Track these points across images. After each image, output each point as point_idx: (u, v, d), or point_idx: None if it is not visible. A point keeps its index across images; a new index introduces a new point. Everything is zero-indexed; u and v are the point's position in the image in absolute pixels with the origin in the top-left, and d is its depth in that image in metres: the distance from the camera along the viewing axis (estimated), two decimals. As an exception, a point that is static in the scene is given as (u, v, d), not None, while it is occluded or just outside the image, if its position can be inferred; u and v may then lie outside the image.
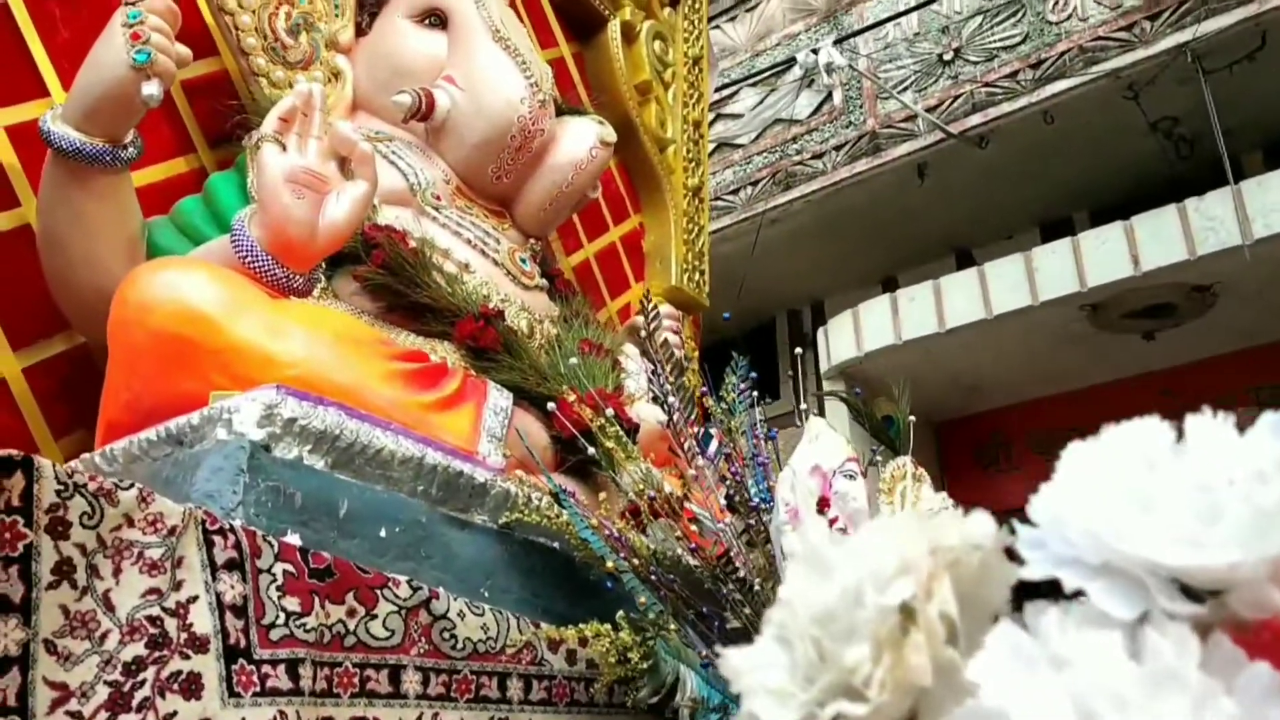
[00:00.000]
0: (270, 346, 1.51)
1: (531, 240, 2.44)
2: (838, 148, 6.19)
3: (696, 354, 3.77)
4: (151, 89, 1.86)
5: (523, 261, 2.26)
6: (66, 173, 1.91)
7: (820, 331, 6.24)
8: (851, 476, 1.39)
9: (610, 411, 1.69)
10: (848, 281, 7.35)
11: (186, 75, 2.47)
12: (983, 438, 6.88)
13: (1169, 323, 5.65)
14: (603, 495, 1.64)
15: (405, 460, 1.42)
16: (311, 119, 1.80)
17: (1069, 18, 5.58)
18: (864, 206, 6.42)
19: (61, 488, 0.94)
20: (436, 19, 2.45)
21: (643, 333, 1.71)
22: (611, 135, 2.52)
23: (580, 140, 2.43)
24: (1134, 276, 5.16)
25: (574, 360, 1.91)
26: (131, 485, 1.01)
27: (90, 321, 2.05)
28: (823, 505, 1.34)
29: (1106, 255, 5.24)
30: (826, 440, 1.44)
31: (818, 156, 6.21)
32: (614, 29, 3.66)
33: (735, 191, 6.66)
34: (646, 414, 2.11)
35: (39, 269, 2.11)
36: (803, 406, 1.66)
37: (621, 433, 1.72)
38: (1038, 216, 6.65)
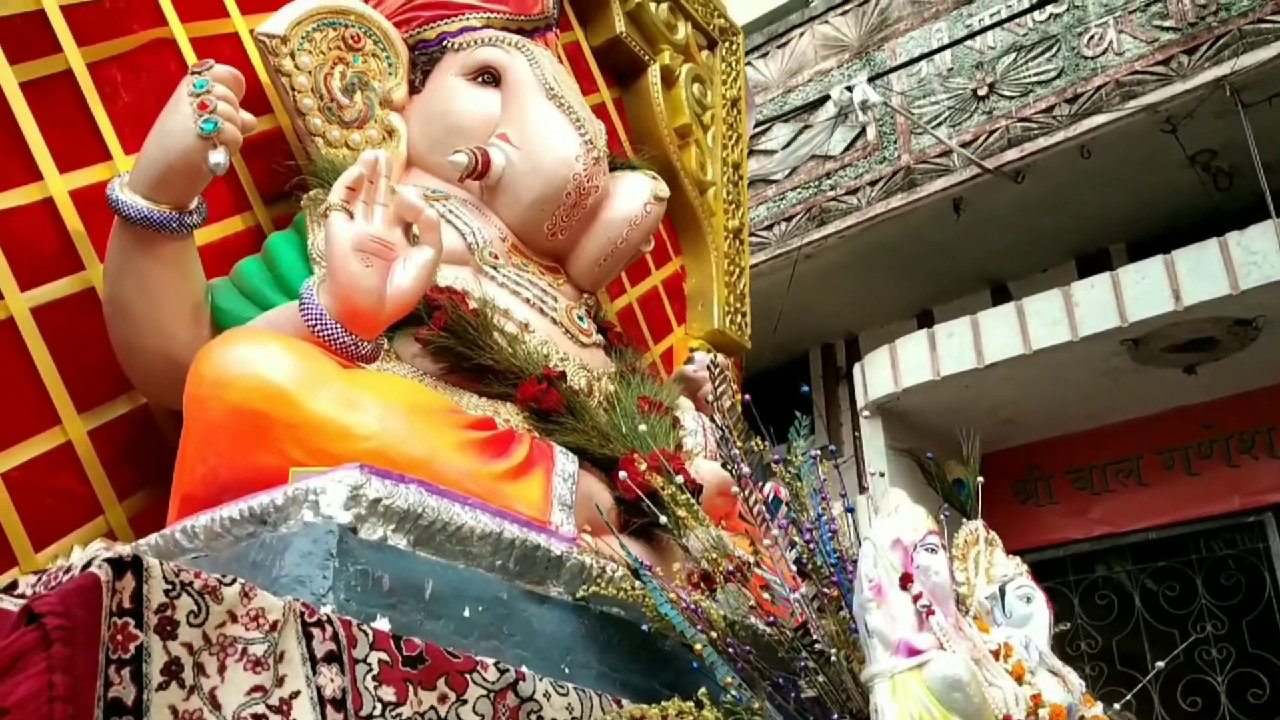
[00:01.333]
0: (346, 420, 1.52)
1: (585, 295, 2.45)
2: (872, 183, 6.19)
3: (740, 397, 3.75)
4: (219, 157, 1.88)
5: (580, 319, 2.27)
6: (133, 240, 1.93)
7: (856, 366, 6.22)
8: (933, 550, 1.38)
9: (679, 479, 1.69)
10: (882, 315, 7.33)
11: (244, 135, 2.51)
12: (1020, 472, 6.82)
13: (1210, 356, 5.61)
14: (677, 565, 1.63)
15: (484, 536, 1.42)
16: (377, 186, 1.82)
17: (1104, 53, 5.57)
18: (898, 241, 6.40)
19: (170, 587, 0.95)
20: (489, 77, 2.46)
21: (709, 397, 1.71)
22: (665, 190, 2.53)
23: (634, 196, 2.44)
24: (1176, 311, 5.13)
25: (643, 427, 1.90)
26: (234, 580, 1.02)
27: (155, 384, 2.08)
28: (906, 581, 1.34)
29: (1147, 290, 5.20)
30: (906, 512, 1.43)
31: (852, 192, 6.21)
32: (654, 74, 3.69)
33: (769, 227, 6.66)
34: (705, 470, 2.10)
35: (102, 332, 2.13)
36: (875, 472, 1.64)
37: (690, 499, 1.72)
38: (1074, 249, 6.61)
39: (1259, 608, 5.90)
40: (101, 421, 2.14)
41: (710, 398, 1.74)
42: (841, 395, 7.63)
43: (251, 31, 2.47)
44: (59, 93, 2.21)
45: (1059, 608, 6.11)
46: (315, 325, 1.73)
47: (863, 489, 6.30)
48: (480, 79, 2.46)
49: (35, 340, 2.07)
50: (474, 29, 2.55)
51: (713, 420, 1.81)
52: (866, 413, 5.99)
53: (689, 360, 2.87)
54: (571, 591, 1.52)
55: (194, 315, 2.02)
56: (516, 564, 1.45)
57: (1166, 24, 5.43)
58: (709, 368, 1.81)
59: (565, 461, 1.75)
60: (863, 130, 6.31)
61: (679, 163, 3.74)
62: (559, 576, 1.51)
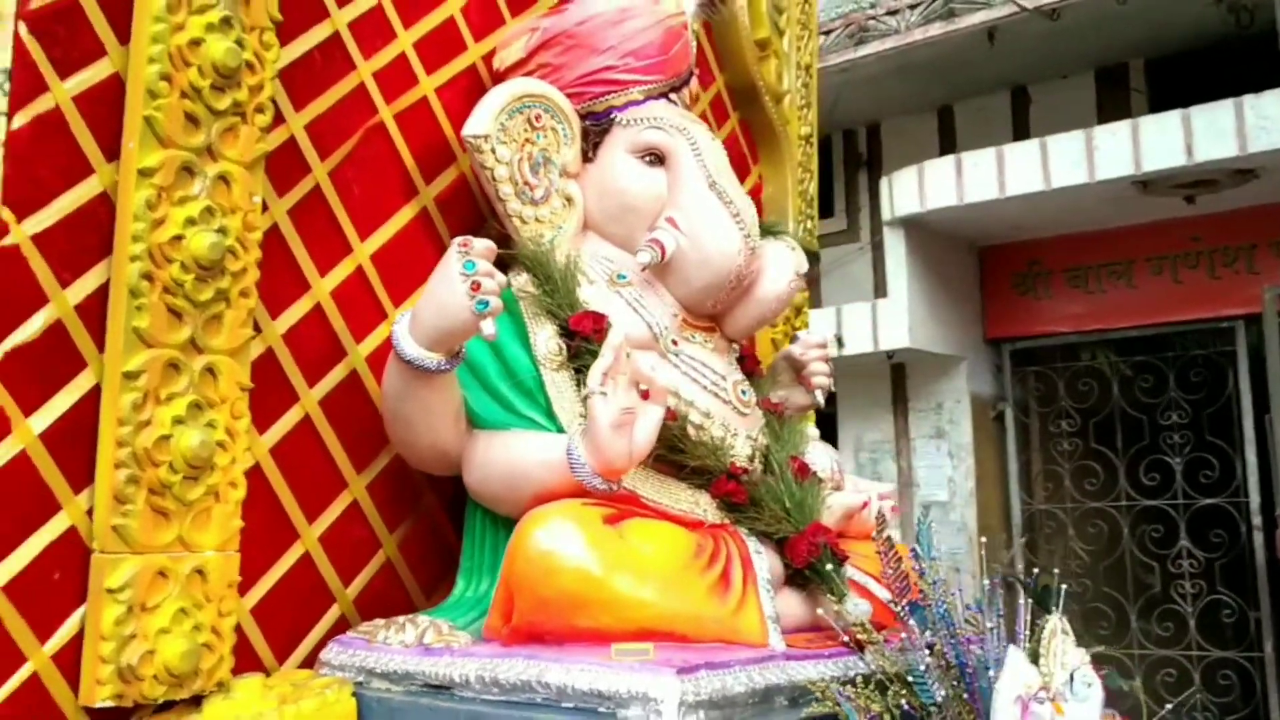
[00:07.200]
0: (639, 595, 2.16)
1: (733, 344, 2.97)
2: (912, 7, 6.40)
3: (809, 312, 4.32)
4: (490, 329, 2.37)
5: (743, 393, 2.81)
6: (413, 375, 2.43)
7: (883, 181, 6.69)
8: (1042, 701, 2.07)
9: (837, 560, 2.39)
10: (902, 107, 7.67)
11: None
12: (1021, 265, 7.45)
13: (1209, 191, 6.13)
14: (820, 610, 2.34)
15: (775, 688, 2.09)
16: (620, 361, 2.34)
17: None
18: (930, 59, 6.69)
19: None
20: (655, 157, 2.85)
21: (876, 535, 2.33)
22: (804, 264, 3.00)
23: (781, 274, 2.90)
24: (1186, 166, 5.61)
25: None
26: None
27: (427, 465, 2.67)
28: (1028, 733, 2.04)
29: (1165, 143, 5.66)
30: (1020, 669, 2.10)
31: (892, 13, 6.42)
32: (740, -8, 3.94)
33: (807, 38, 6.87)
34: (836, 506, 2.75)
35: (365, 402, 2.69)
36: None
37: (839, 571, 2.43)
38: (1094, 62, 6.93)
39: (1219, 402, 6.77)
40: (373, 476, 2.74)
41: (875, 534, 2.35)
42: (860, 181, 8.10)
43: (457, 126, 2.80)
44: (313, 205, 2.63)
45: (1045, 390, 6.93)
46: (589, 484, 2.32)
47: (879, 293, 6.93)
48: (648, 158, 2.85)
49: (324, 427, 2.63)
50: (637, 103, 2.91)
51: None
52: (890, 222, 6.55)
53: (794, 338, 3.38)
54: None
55: (457, 418, 2.57)
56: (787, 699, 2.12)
57: None
58: (877, 515, 2.42)
59: (764, 571, 2.40)
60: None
61: (759, 78, 4.10)
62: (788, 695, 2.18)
